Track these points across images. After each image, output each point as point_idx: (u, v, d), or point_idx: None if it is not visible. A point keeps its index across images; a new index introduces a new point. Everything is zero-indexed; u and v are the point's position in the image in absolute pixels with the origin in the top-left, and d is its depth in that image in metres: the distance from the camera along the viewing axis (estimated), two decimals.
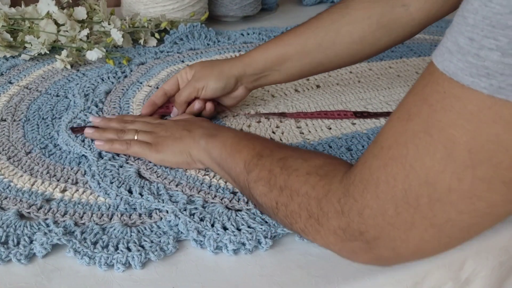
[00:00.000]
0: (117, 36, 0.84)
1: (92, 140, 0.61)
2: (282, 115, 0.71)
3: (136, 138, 0.60)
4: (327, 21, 0.63)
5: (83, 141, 0.61)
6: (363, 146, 0.65)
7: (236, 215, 0.51)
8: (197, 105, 0.67)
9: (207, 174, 0.57)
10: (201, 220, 0.50)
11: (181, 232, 0.49)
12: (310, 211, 0.42)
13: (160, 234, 0.49)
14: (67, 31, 0.84)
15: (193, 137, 0.57)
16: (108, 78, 0.78)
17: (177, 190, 0.54)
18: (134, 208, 0.52)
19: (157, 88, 0.77)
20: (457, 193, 0.34)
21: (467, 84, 0.32)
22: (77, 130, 0.64)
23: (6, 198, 0.53)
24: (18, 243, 0.47)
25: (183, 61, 0.85)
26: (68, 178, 0.56)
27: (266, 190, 0.47)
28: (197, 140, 0.56)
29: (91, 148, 0.60)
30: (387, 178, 0.37)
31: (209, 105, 0.68)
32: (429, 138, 0.34)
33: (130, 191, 0.54)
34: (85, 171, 0.57)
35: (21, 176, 0.56)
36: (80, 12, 0.87)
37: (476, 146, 0.32)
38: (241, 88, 0.68)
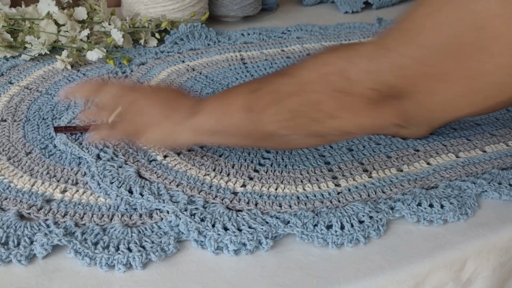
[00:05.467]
0: (117, 36, 0.84)
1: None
2: None
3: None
4: None
5: (80, 143, 0.61)
6: (363, 146, 0.65)
7: (237, 216, 0.51)
8: None
9: (208, 174, 0.57)
10: (202, 220, 0.50)
11: (182, 233, 0.49)
12: (335, 88, 0.40)
13: (161, 234, 0.49)
14: (67, 31, 0.84)
15: (174, 123, 0.54)
16: (109, 78, 0.78)
17: (177, 191, 0.54)
18: (135, 209, 0.52)
19: None
20: (503, 41, 0.32)
21: None
22: (60, 129, 0.63)
23: (6, 198, 0.52)
24: (19, 244, 0.47)
25: (183, 61, 0.85)
26: (68, 179, 0.56)
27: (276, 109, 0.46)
28: (181, 123, 0.53)
29: (88, 150, 0.59)
30: (432, 25, 0.35)
31: None
32: None
33: (130, 191, 0.53)
34: (85, 172, 0.57)
35: (21, 176, 0.56)
36: (81, 12, 0.87)
37: None
38: None
